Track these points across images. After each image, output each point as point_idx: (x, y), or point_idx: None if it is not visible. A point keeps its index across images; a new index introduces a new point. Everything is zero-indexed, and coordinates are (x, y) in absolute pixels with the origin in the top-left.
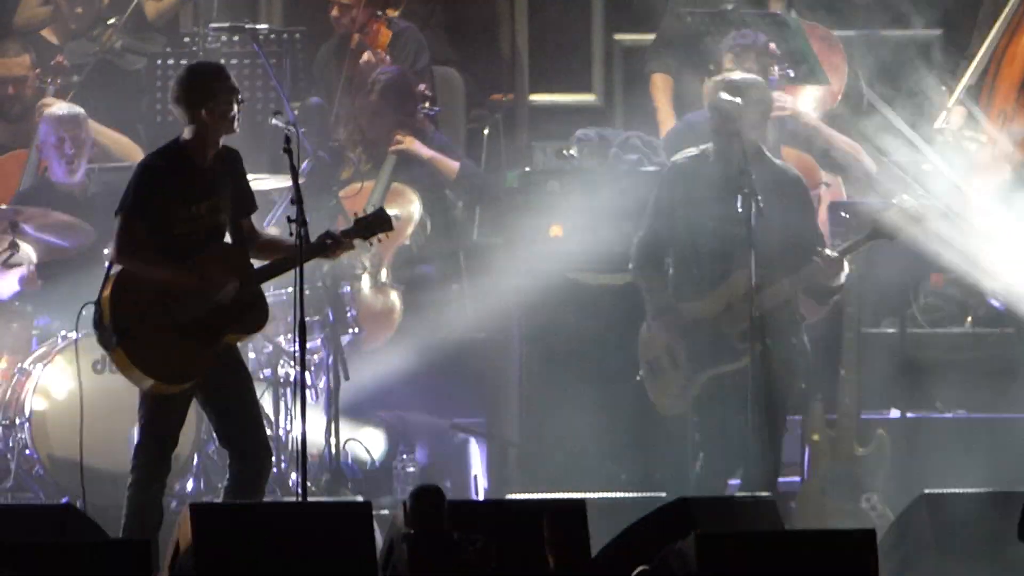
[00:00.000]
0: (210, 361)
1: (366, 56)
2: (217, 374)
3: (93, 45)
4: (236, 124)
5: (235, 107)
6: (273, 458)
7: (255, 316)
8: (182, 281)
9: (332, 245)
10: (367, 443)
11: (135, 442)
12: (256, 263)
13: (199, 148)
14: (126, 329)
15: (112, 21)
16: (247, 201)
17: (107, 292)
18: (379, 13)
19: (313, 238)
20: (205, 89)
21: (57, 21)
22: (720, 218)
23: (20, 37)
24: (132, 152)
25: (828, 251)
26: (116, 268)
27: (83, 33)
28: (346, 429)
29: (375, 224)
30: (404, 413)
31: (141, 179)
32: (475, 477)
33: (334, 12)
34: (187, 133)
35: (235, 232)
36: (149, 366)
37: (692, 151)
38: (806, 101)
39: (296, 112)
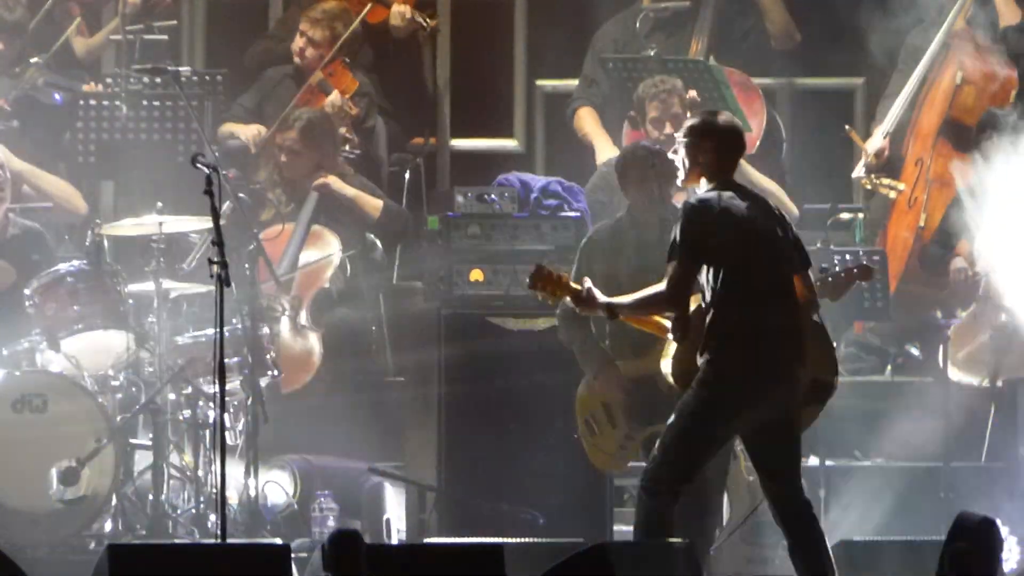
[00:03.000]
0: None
1: (333, 99)
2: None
3: (13, 82)
4: None
5: None
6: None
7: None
8: None
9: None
10: (272, 486)
11: None
12: None
13: None
14: None
15: (35, 60)
16: None
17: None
18: (346, 60)
19: (233, 279)
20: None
21: None
22: (645, 280)
23: None
24: (70, 193)
25: None
26: None
27: (4, 71)
28: (239, 471)
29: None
30: (311, 456)
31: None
32: (387, 521)
33: (300, 42)
34: None
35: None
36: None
37: (607, 222)
38: None
39: (217, 154)
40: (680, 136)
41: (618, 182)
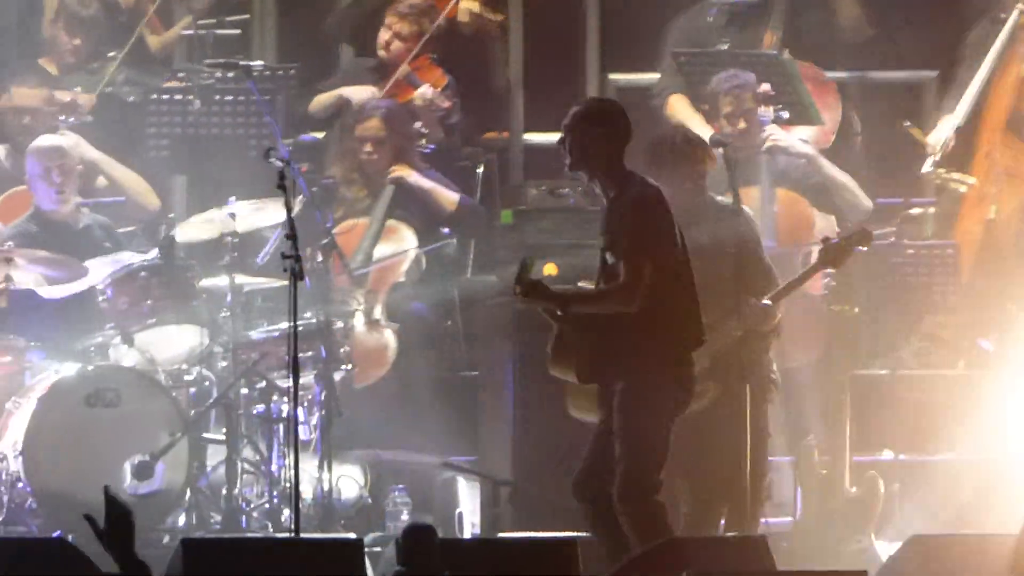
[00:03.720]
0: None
1: (424, 91)
2: None
3: (92, 79)
4: None
5: None
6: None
7: None
8: None
9: None
10: (346, 480)
11: None
12: None
13: None
14: None
15: (112, 54)
16: None
17: None
18: (433, 56)
19: (307, 273)
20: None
21: (54, 52)
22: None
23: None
24: (145, 191)
25: (762, 300)
26: None
27: (82, 66)
28: (312, 466)
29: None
30: (382, 451)
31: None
32: (459, 514)
33: (386, 36)
34: None
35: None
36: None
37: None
38: (794, 138)
39: (290, 148)
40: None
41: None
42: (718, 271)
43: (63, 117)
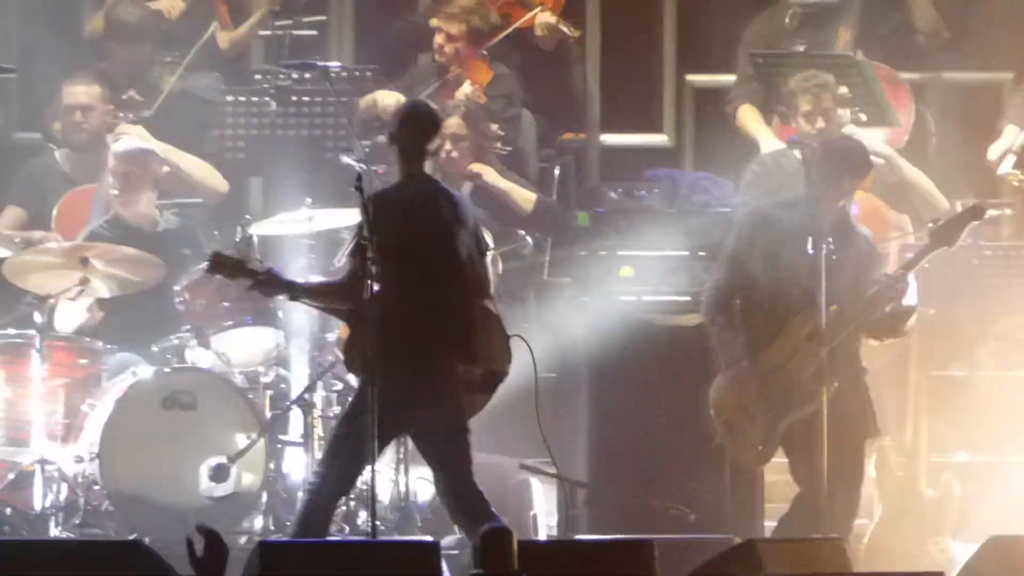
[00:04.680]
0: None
1: (465, 89)
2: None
3: (152, 89)
4: None
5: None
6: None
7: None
8: None
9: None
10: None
11: None
12: None
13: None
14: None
15: (168, 59)
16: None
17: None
18: (483, 52)
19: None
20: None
21: (109, 62)
22: (796, 267)
23: (93, 69)
24: (214, 175)
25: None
26: None
27: (139, 77)
28: (389, 469)
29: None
30: None
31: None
32: (533, 516)
33: (438, 39)
34: None
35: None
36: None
37: (780, 199)
38: (875, 138)
39: (367, 150)
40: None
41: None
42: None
43: (122, 114)
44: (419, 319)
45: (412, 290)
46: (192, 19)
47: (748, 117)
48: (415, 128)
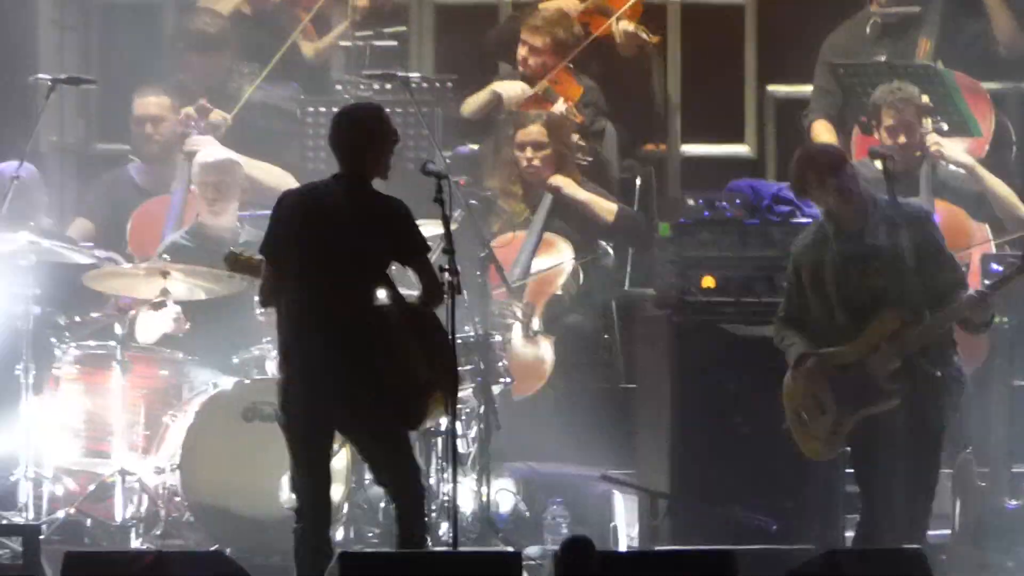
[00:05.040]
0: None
1: (560, 107)
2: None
3: (230, 100)
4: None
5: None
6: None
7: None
8: None
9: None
10: (504, 494)
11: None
12: None
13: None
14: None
15: (248, 71)
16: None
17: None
18: (569, 65)
19: (465, 287)
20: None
21: (190, 72)
22: (847, 285)
23: (163, 80)
24: (286, 181)
25: (971, 291)
26: None
27: (219, 88)
28: (471, 480)
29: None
30: (536, 464)
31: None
32: (614, 527)
33: (523, 52)
34: None
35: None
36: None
37: (812, 226)
38: (956, 148)
39: (448, 161)
40: None
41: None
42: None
43: (193, 123)
44: (308, 320)
45: (306, 291)
46: (272, 29)
47: (821, 134)
48: (336, 131)
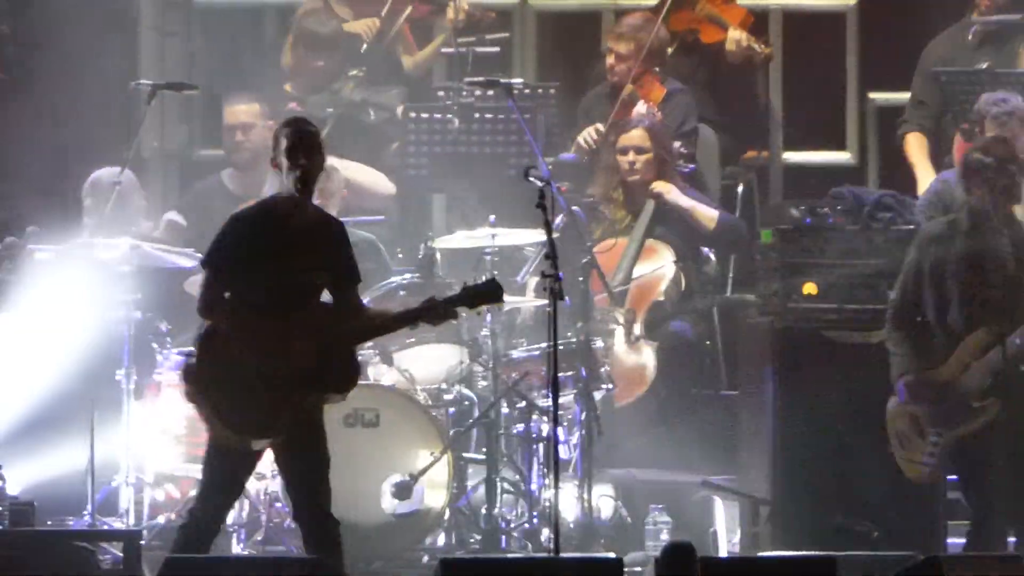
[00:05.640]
0: (285, 421)
1: (640, 109)
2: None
3: (333, 98)
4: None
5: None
6: (329, 523)
7: (334, 378)
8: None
9: (434, 314)
10: (605, 500)
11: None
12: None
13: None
14: (207, 382)
15: (354, 73)
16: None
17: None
18: (655, 69)
19: (567, 293)
20: (275, 141)
21: (299, 75)
22: (968, 284)
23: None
24: (382, 182)
25: None
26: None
27: (324, 87)
28: (572, 486)
29: (484, 295)
30: (636, 470)
31: (223, 231)
32: (713, 533)
33: (610, 60)
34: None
35: (336, 302)
36: (226, 419)
37: (943, 218)
38: None
39: (550, 167)
40: None
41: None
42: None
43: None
44: (253, 339)
45: (253, 308)
46: (380, 37)
47: (912, 147)
48: (279, 145)
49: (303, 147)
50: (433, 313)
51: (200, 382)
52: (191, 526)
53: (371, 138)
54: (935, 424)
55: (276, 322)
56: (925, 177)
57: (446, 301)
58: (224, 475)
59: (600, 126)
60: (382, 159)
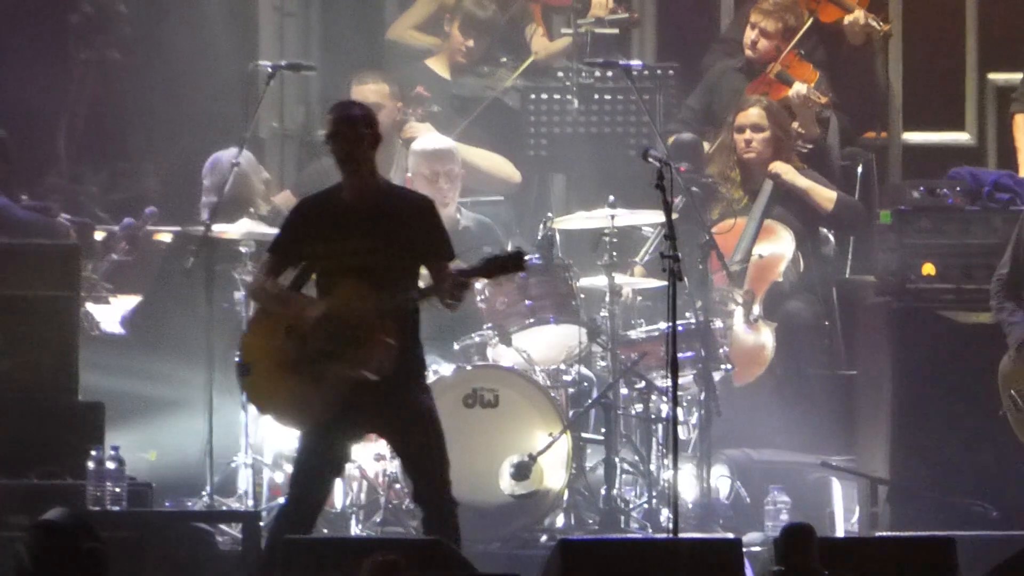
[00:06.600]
0: (330, 399)
1: (799, 88)
2: (398, 422)
3: (482, 81)
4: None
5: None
6: (452, 507)
7: (370, 357)
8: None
9: (453, 285)
10: (724, 480)
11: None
12: None
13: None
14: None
15: (504, 60)
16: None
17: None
18: (801, 52)
19: (686, 273)
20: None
21: (444, 52)
22: None
23: (384, 68)
24: (503, 167)
25: None
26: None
27: (472, 69)
28: (691, 466)
29: (505, 263)
30: (752, 450)
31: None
32: (830, 513)
33: (751, 35)
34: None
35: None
36: (283, 409)
37: None
38: None
39: (670, 147)
40: None
41: None
42: None
43: (410, 110)
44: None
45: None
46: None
47: (1020, 130)
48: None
49: (341, 133)
50: (442, 290)
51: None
52: (288, 511)
53: (511, 127)
54: None
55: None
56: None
57: (459, 272)
58: (310, 459)
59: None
60: (515, 146)
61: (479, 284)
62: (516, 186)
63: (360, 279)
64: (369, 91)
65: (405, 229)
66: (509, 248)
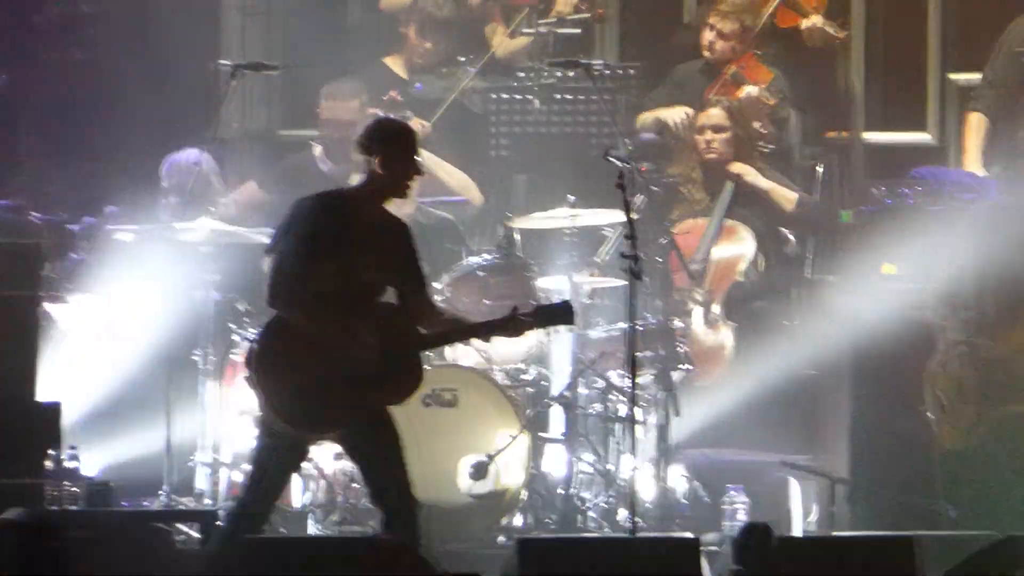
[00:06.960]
0: (338, 421)
1: (750, 90)
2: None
3: (441, 83)
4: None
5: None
6: (413, 508)
7: (401, 384)
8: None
9: (511, 329)
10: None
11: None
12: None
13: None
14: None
15: (464, 60)
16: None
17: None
18: (757, 52)
19: (646, 273)
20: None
21: (402, 53)
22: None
23: (357, 75)
24: (469, 187)
25: None
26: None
27: (430, 69)
28: (649, 465)
29: (556, 316)
30: (710, 450)
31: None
32: (787, 511)
33: (709, 36)
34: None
35: (403, 306)
36: (279, 408)
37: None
38: None
39: (630, 147)
40: None
41: None
42: None
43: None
44: (319, 335)
45: (320, 302)
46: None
47: (970, 128)
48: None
49: (404, 153)
50: (511, 328)
51: (261, 368)
52: (237, 513)
53: (473, 129)
54: (985, 396)
55: (343, 320)
56: (971, 163)
57: (521, 320)
58: (271, 464)
59: (689, 109)
60: (475, 147)
61: (439, 284)
62: (478, 208)
63: (360, 295)
64: (342, 107)
65: (396, 254)
66: (554, 300)
